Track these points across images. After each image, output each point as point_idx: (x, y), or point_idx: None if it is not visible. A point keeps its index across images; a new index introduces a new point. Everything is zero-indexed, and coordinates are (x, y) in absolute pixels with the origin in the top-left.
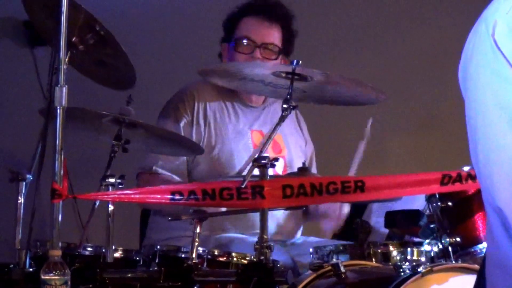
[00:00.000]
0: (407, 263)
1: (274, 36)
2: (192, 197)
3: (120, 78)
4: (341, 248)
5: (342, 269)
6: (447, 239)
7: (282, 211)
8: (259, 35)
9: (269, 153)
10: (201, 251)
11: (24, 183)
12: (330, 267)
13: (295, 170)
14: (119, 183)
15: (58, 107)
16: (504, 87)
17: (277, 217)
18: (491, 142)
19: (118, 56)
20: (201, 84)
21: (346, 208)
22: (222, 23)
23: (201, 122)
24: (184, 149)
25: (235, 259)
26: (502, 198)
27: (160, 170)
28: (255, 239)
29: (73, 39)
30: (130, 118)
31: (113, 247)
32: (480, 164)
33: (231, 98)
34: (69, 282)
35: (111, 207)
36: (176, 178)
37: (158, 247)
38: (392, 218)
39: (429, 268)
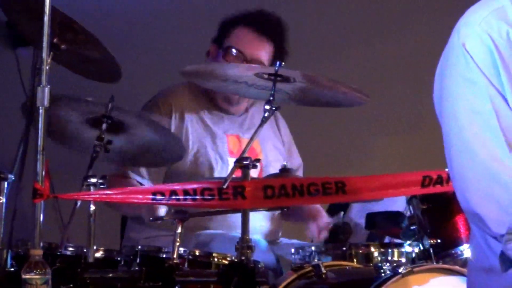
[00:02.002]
0: (388, 264)
1: (264, 53)
2: (173, 197)
3: (106, 72)
4: (322, 249)
5: (323, 270)
6: (428, 241)
7: (264, 212)
8: (249, 49)
9: None
10: (182, 252)
11: (5, 183)
12: (311, 268)
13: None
14: (101, 183)
15: (40, 108)
16: (476, 93)
17: (259, 217)
18: (464, 146)
19: (100, 52)
20: (179, 88)
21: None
22: (218, 24)
23: (178, 126)
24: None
25: (216, 259)
26: (476, 200)
27: (132, 175)
28: (236, 234)
29: (54, 39)
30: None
31: (94, 247)
32: (454, 169)
33: (209, 104)
34: (50, 282)
35: (92, 207)
36: (145, 184)
37: (140, 247)
38: (373, 219)
39: (409, 269)
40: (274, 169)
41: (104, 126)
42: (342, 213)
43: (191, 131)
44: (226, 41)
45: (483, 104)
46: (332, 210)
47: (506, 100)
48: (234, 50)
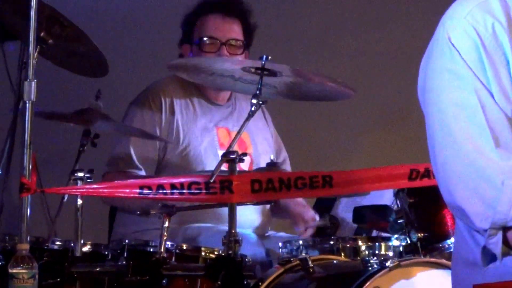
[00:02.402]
0: (375, 258)
1: (236, 31)
2: (160, 191)
3: (93, 67)
4: (310, 242)
5: (310, 264)
6: (415, 234)
7: (254, 206)
8: (221, 32)
9: None
10: (169, 246)
11: None
12: (298, 262)
13: (262, 166)
14: (88, 177)
15: (27, 102)
16: (461, 86)
17: (249, 211)
18: (449, 140)
19: (88, 47)
20: (168, 82)
21: (314, 214)
22: (180, 24)
23: (168, 119)
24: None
25: (203, 253)
26: (460, 195)
27: (127, 169)
28: (223, 227)
29: (42, 33)
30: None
31: (82, 241)
32: (438, 162)
33: (197, 96)
34: (37, 276)
35: (79, 201)
36: (143, 173)
37: (127, 241)
38: (360, 213)
39: (396, 263)
40: (264, 160)
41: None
42: (327, 215)
43: (182, 123)
44: (194, 35)
45: (469, 98)
46: (319, 206)
47: (491, 94)
48: (206, 39)
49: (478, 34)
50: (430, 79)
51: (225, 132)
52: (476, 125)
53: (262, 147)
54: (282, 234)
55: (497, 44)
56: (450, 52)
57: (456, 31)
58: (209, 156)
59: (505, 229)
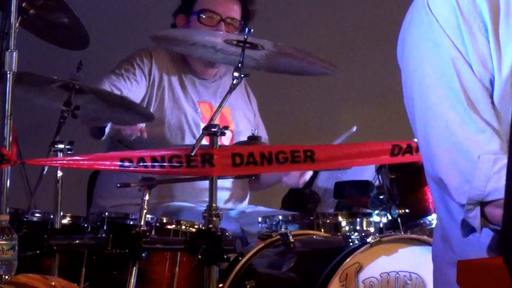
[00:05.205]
0: (356, 234)
1: (236, 11)
2: (141, 164)
3: (74, 39)
4: (290, 217)
5: (291, 239)
6: (396, 210)
7: (230, 181)
8: (222, 8)
9: None
10: (149, 219)
11: None
12: (278, 236)
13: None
14: (68, 149)
15: (8, 72)
16: (439, 54)
17: (224, 183)
18: (429, 111)
19: (69, 18)
20: (159, 49)
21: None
22: None
23: (156, 83)
24: (134, 115)
25: (183, 227)
26: (440, 166)
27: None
28: (204, 208)
29: (23, 4)
30: (80, 84)
31: (61, 214)
32: (420, 134)
33: (184, 68)
34: (16, 247)
35: (59, 173)
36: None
37: (107, 214)
38: (341, 188)
39: (378, 239)
40: (245, 138)
41: (71, 95)
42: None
43: (168, 92)
44: (195, 7)
45: (446, 66)
46: None
47: (468, 62)
48: (207, 12)
49: (457, 2)
50: (408, 47)
51: (208, 107)
52: (453, 96)
53: (243, 124)
54: (261, 208)
55: (476, 11)
56: (428, 19)
57: None
58: (191, 129)
59: (482, 203)
